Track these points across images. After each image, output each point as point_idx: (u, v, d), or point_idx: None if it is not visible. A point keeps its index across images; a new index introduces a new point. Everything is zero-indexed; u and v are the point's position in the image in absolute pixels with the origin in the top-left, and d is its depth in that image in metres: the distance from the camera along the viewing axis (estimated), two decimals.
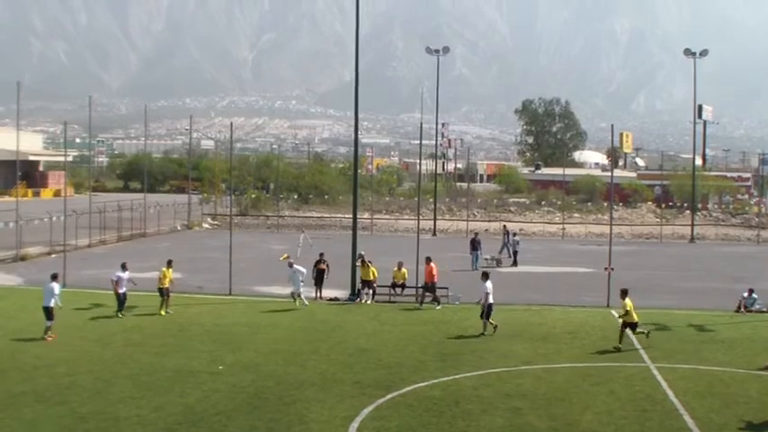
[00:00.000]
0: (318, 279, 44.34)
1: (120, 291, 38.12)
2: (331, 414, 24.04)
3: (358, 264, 44.53)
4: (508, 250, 62.08)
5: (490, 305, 35.99)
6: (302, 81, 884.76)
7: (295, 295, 41.11)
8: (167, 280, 39.28)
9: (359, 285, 44.65)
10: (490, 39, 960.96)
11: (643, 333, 33.69)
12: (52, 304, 33.56)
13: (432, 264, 42.79)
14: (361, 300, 43.61)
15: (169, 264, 40.30)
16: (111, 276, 38.97)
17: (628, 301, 33.29)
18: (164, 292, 39.11)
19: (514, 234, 65.04)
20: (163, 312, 38.53)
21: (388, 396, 26.01)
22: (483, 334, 35.25)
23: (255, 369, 28.92)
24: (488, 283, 36.55)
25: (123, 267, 38.96)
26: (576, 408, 25.07)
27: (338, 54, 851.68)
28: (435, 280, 42.78)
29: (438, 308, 41.58)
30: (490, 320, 35.85)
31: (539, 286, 50.45)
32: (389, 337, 35.25)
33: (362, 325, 37.39)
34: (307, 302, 41.06)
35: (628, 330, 33.50)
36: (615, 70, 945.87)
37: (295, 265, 41.63)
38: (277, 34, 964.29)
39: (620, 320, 33.81)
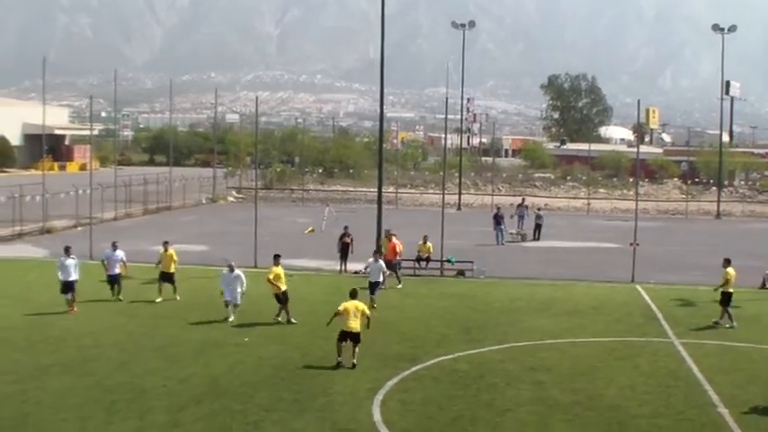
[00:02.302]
0: (343, 252, 44.41)
1: (111, 272, 35.73)
2: (356, 386, 24.13)
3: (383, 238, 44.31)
4: (521, 223, 62.03)
5: (378, 283, 35.91)
6: (327, 56, 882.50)
7: (230, 305, 32.59)
8: (172, 263, 36.30)
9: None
10: (516, 14, 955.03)
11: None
12: (73, 278, 33.51)
13: (394, 240, 42.03)
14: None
15: (165, 245, 37.03)
16: (102, 257, 36.97)
17: (347, 304, 26.79)
18: (167, 278, 36.14)
19: (539, 209, 64.98)
20: (159, 299, 35.56)
21: (413, 369, 26.09)
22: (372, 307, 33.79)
23: (281, 341, 29.03)
24: (381, 262, 37.00)
25: (114, 246, 36.48)
26: (599, 382, 25.09)
27: (363, 31, 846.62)
28: (398, 258, 41.68)
29: (399, 286, 39.85)
30: (372, 297, 35.11)
31: (564, 261, 50.43)
32: (414, 310, 35.36)
33: (387, 298, 37.41)
34: (232, 318, 32.27)
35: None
36: (641, 46, 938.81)
37: (236, 270, 33.36)
38: (302, 10, 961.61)
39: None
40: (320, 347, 27.96)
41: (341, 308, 26.39)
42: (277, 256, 33.24)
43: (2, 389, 23.38)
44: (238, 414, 21.63)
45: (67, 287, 33.36)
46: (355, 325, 26.16)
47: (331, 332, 27.56)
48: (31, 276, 41.31)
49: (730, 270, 33.81)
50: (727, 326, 32.82)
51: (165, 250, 36.48)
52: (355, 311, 26.33)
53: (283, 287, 32.31)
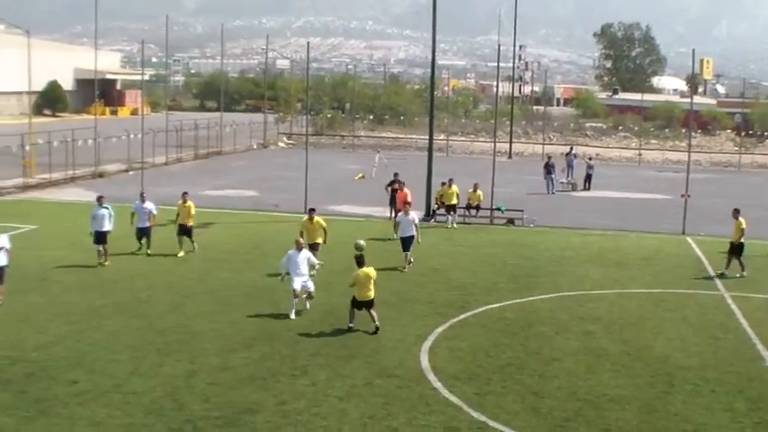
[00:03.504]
0: (393, 199, 44.47)
1: (140, 225, 33.97)
2: (404, 332, 24.29)
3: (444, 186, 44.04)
4: (570, 172, 61.74)
5: (411, 237, 33.39)
6: (378, 2, 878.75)
7: (299, 293, 26.44)
8: (189, 216, 34.53)
9: (434, 207, 44.78)
10: None
11: None
12: (106, 228, 32.33)
13: (406, 190, 40.81)
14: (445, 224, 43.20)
15: (185, 196, 35.03)
16: (132, 210, 34.48)
17: (359, 274, 24.97)
18: (186, 231, 34.45)
19: (590, 158, 64.67)
20: (181, 254, 33.96)
21: (462, 316, 26.21)
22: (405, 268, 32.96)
23: (327, 288, 29.10)
24: (413, 214, 34.41)
25: (142, 198, 34.45)
26: (648, 333, 25.07)
27: None
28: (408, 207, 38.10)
29: (395, 237, 35.64)
30: (407, 253, 33.39)
31: (614, 211, 50.21)
32: (463, 257, 35.44)
33: (436, 245, 37.52)
34: (307, 306, 26.75)
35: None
36: None
37: (305, 250, 27.55)
38: None
39: None
40: None
41: (352, 279, 24.78)
42: (311, 210, 32.55)
43: (58, 329, 23.79)
44: (287, 358, 21.86)
45: (100, 238, 32.22)
46: (369, 294, 24.52)
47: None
48: (84, 220, 41.47)
49: (742, 220, 33.90)
50: (738, 275, 33.14)
51: (185, 202, 34.62)
52: (366, 280, 24.58)
53: (319, 239, 31.59)
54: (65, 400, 18.75)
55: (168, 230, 36.00)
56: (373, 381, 20.48)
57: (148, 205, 34.13)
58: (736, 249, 33.67)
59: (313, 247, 30.67)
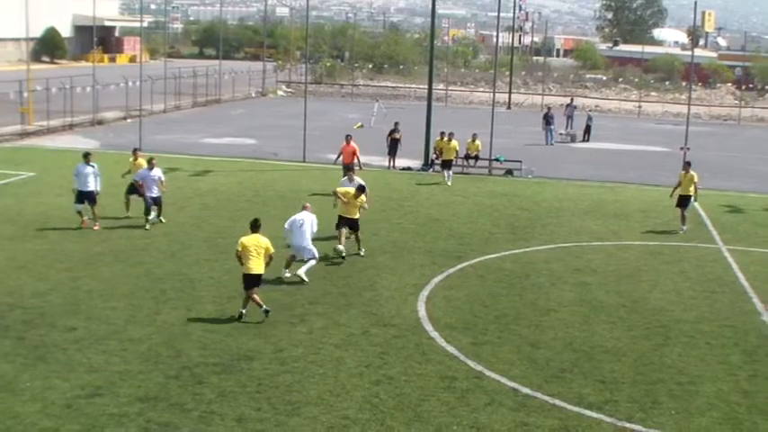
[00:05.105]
0: (392, 149, 44.42)
1: (148, 194, 30.00)
2: (401, 282, 24.33)
3: (444, 139, 43.09)
4: (570, 123, 61.69)
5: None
6: None
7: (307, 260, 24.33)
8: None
9: (432, 157, 44.68)
10: None
11: None
12: (94, 188, 29.92)
13: (352, 143, 37.43)
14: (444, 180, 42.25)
15: (135, 152, 32.50)
16: (135, 177, 30.90)
17: (246, 240, 21.27)
18: (136, 189, 30.74)
19: (590, 110, 64.56)
20: (148, 227, 29.76)
21: (459, 266, 26.24)
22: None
23: (328, 236, 29.12)
24: (357, 180, 28.87)
25: (150, 165, 30.50)
26: (644, 285, 25.11)
27: None
28: (355, 161, 36.47)
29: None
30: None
31: (613, 163, 50.17)
32: (461, 208, 35.42)
33: (435, 195, 37.56)
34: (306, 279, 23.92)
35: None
36: None
37: (305, 212, 25.06)
38: None
39: None
40: (367, 244, 28.04)
41: (239, 246, 21.09)
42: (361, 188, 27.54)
43: (55, 276, 23.80)
44: (285, 307, 21.89)
45: (82, 197, 29.77)
46: (255, 266, 20.89)
47: (378, 228, 27.77)
48: None
49: (694, 173, 33.04)
50: (681, 231, 32.49)
51: (135, 159, 31.90)
52: (256, 249, 20.95)
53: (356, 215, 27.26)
54: (63, 346, 18.79)
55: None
56: (370, 330, 20.54)
57: (156, 172, 30.47)
58: (683, 202, 32.99)
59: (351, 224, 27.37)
